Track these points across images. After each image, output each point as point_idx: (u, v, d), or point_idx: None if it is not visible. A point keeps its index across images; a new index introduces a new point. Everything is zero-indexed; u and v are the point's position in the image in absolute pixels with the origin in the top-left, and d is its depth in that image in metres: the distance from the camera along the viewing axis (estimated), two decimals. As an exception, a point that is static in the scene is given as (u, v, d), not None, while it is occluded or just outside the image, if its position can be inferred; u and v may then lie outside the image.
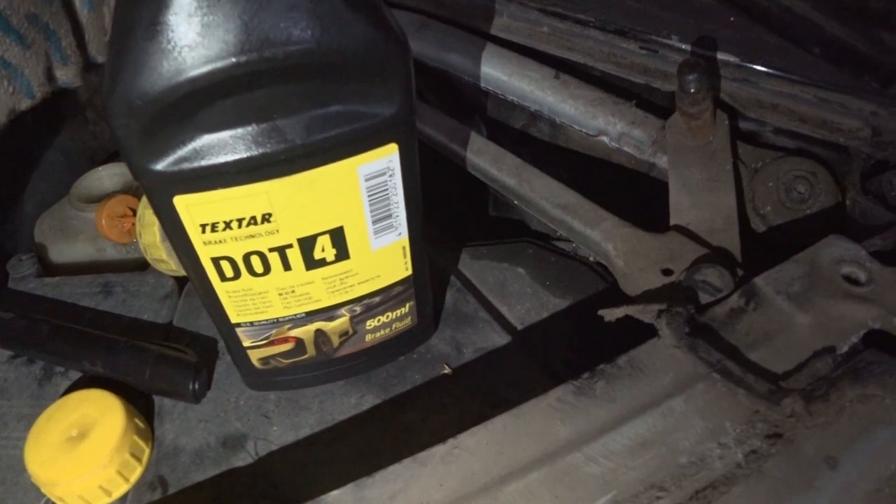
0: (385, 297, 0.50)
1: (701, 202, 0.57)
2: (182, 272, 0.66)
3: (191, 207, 0.39)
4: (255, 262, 0.43)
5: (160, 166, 0.36)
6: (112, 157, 0.85)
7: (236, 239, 0.41)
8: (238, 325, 0.49)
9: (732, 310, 0.45)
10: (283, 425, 0.54)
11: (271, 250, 0.42)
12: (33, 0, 0.40)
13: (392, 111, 0.38)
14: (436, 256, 0.64)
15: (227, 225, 0.40)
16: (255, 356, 0.52)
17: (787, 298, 0.45)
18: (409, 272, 0.50)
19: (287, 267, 0.44)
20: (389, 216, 0.44)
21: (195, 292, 0.51)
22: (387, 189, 0.42)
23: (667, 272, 0.51)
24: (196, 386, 0.55)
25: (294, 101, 0.36)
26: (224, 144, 0.36)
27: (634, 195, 0.68)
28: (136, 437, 0.51)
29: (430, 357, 0.58)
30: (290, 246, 0.42)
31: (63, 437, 0.50)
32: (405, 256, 0.48)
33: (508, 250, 0.69)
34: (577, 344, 0.61)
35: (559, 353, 0.60)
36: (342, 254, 0.45)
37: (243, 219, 0.40)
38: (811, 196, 0.61)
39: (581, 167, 0.70)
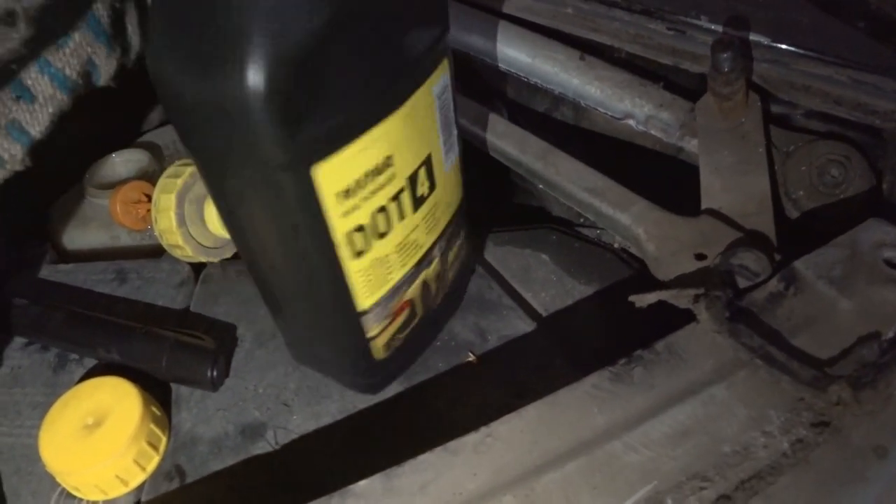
0: (456, 224, 0.50)
1: (733, 185, 0.55)
2: (199, 257, 0.65)
3: (331, 174, 0.34)
4: (381, 220, 0.40)
5: (302, 134, 0.32)
6: (126, 143, 0.83)
7: (366, 198, 0.38)
8: (365, 312, 0.44)
9: (772, 294, 0.43)
10: (303, 414, 0.53)
11: (391, 200, 0.40)
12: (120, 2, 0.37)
13: (444, 26, 0.39)
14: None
15: (359, 184, 0.36)
16: (380, 344, 0.48)
17: (829, 283, 0.43)
18: (463, 192, 0.50)
19: (402, 215, 0.41)
20: (451, 133, 0.44)
21: (297, 296, 0.46)
22: (448, 105, 0.42)
23: (700, 256, 0.50)
24: (214, 373, 0.54)
25: (394, 29, 0.35)
26: (351, 89, 0.33)
27: (661, 180, 0.66)
28: (152, 426, 0.50)
29: (454, 344, 0.57)
30: (402, 190, 0.40)
31: (78, 425, 0.49)
32: (459, 175, 0.49)
33: (531, 236, 0.68)
34: (603, 331, 0.59)
35: (585, 340, 0.58)
36: (432, 183, 0.43)
37: (370, 171, 0.37)
38: (845, 180, 0.59)
39: (606, 151, 0.68)
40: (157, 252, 0.69)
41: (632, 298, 0.48)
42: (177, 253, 0.65)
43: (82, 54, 0.37)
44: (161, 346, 0.55)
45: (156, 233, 0.64)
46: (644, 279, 0.62)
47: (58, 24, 0.34)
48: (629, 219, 0.53)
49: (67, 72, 0.36)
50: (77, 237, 0.77)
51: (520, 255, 0.65)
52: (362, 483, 0.34)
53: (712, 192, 0.55)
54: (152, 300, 0.64)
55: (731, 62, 0.54)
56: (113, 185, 0.74)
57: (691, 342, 0.40)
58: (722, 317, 0.40)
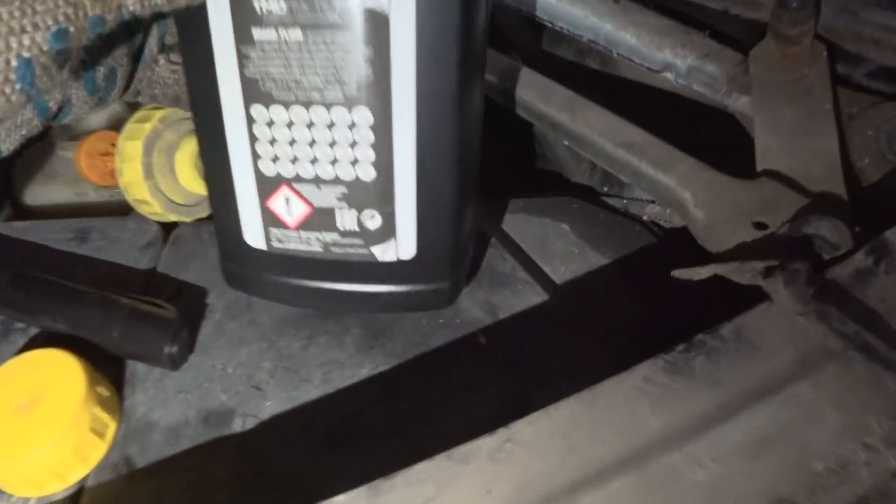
0: None
1: (795, 146, 0.47)
2: (168, 215, 0.56)
3: None
4: None
5: None
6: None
7: None
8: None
9: (859, 271, 0.35)
10: (278, 399, 0.45)
11: None
12: (118, 55, 0.38)
13: None
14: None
15: None
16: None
17: (928, 260, 0.35)
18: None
19: None
20: None
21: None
22: None
23: (760, 225, 0.41)
24: (174, 349, 0.45)
25: None
26: None
27: (703, 142, 0.58)
28: (98, 409, 0.42)
29: (460, 322, 0.48)
30: None
31: (9, 406, 0.41)
32: None
33: (550, 204, 0.59)
34: (634, 311, 0.51)
35: (613, 320, 0.50)
36: None
37: None
38: (918, 148, 0.50)
39: (638, 109, 0.59)
40: (126, 211, 0.61)
41: (677, 273, 0.40)
42: (144, 210, 0.57)
43: (67, 92, 0.36)
44: (114, 315, 0.46)
45: (120, 186, 0.56)
46: (680, 254, 0.53)
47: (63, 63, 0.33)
48: (673, 180, 0.45)
49: (51, 104, 0.35)
50: (40, 193, 0.70)
51: (537, 225, 0.57)
52: (340, 498, 0.26)
53: (769, 153, 0.46)
54: (114, 261, 0.55)
55: (802, -4, 0.45)
56: (82, 136, 0.66)
57: (766, 326, 0.31)
58: (806, 295, 0.31)
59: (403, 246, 0.42)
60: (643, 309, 0.49)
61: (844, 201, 0.41)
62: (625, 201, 0.62)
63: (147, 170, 0.54)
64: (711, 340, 0.31)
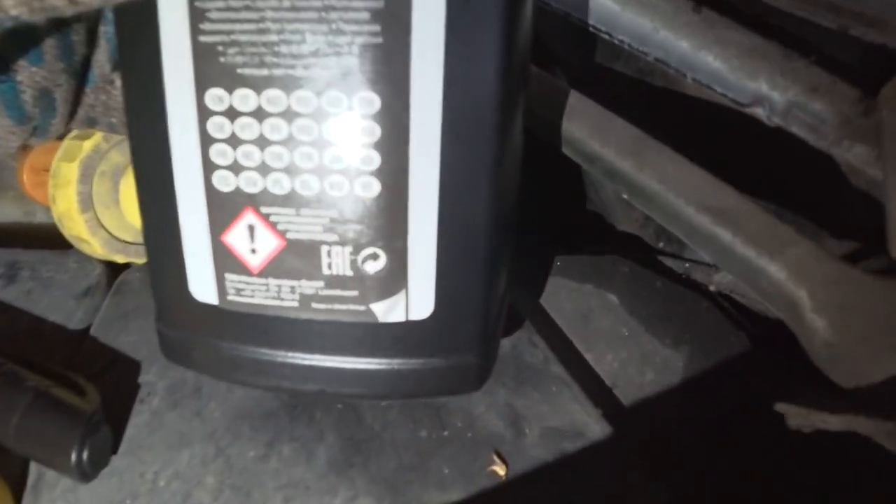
0: None
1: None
2: (111, 255, 0.45)
3: None
4: None
5: None
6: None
7: None
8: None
9: None
10: (220, 536, 0.33)
11: None
12: (51, 73, 0.30)
13: None
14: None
15: None
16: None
17: None
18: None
19: None
20: None
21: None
22: None
23: (913, 351, 0.28)
24: (84, 455, 0.34)
25: None
26: None
27: (805, 205, 0.45)
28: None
29: (471, 437, 0.36)
30: None
31: None
32: None
33: (593, 266, 0.47)
34: (701, 428, 0.38)
35: (678, 443, 0.37)
36: None
37: None
38: None
39: (714, 151, 0.47)
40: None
41: (788, 414, 0.28)
42: (83, 248, 0.45)
43: None
44: (14, 401, 0.35)
45: (54, 217, 0.44)
46: (770, 354, 0.41)
47: None
48: (783, 270, 0.32)
49: None
50: (-15, 210, 0.59)
51: (576, 294, 0.45)
52: None
53: (914, 233, 0.33)
54: (42, 312, 0.44)
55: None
56: (32, 146, 0.55)
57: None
58: None
59: (416, 301, 0.29)
60: (719, 433, 0.37)
61: None
62: (686, 264, 0.49)
63: (84, 200, 0.42)
64: None
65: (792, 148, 0.45)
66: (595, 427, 0.37)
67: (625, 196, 0.40)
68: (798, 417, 0.28)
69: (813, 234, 0.39)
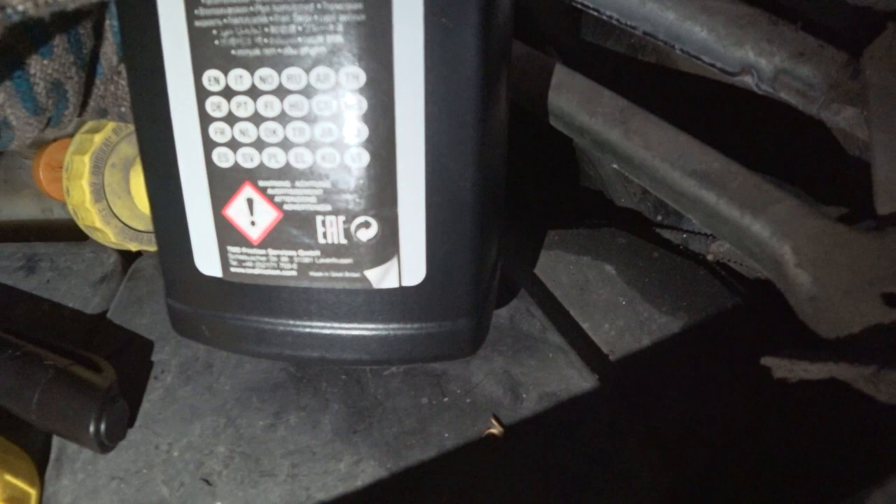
0: None
1: (930, 180, 0.34)
2: (125, 244, 0.47)
3: None
4: None
5: None
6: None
7: None
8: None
9: None
10: (230, 499, 0.34)
11: None
12: (62, 66, 0.32)
13: None
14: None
15: None
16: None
17: None
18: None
19: None
20: None
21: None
22: None
23: (893, 299, 0.29)
24: (102, 427, 0.35)
25: None
26: None
27: (795, 169, 0.46)
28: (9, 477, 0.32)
29: (470, 402, 0.37)
30: None
31: None
32: None
33: (590, 239, 0.48)
34: (700, 397, 0.39)
35: (671, 410, 0.38)
36: None
37: None
38: None
39: (708, 124, 0.47)
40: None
41: (772, 366, 0.28)
42: (97, 237, 0.47)
43: None
44: (35, 379, 0.37)
45: (69, 209, 0.46)
46: (764, 316, 0.41)
47: None
48: (767, 227, 0.33)
49: None
50: (4, 207, 0.62)
51: (574, 266, 0.45)
52: None
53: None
54: (61, 300, 0.46)
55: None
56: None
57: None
58: None
59: (408, 267, 0.30)
60: (715, 396, 0.38)
61: None
62: (684, 235, 0.50)
63: (96, 191, 0.44)
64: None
65: (783, 118, 0.45)
66: (591, 391, 0.38)
67: (615, 166, 0.41)
68: (782, 369, 0.28)
69: (803, 199, 0.40)
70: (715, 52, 0.45)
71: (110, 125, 0.44)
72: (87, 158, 0.44)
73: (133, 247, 0.47)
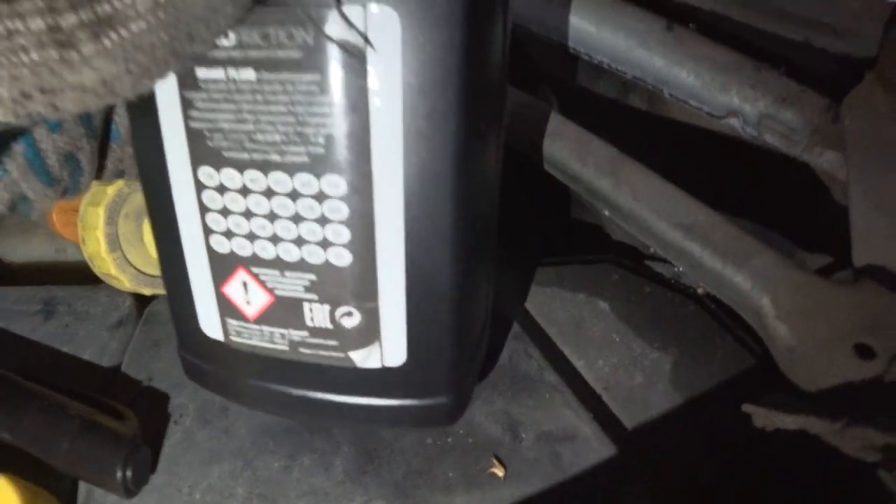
0: None
1: (905, 229, 0.36)
2: (140, 289, 0.49)
3: None
4: None
5: None
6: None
7: None
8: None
9: None
10: (250, 542, 0.37)
11: None
12: (72, 138, 0.33)
13: None
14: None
15: None
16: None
17: None
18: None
19: None
20: None
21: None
22: None
23: (864, 351, 0.31)
24: (128, 473, 0.38)
25: None
26: None
27: (778, 213, 0.48)
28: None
29: (472, 443, 0.39)
30: None
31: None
32: None
33: (585, 274, 0.50)
34: (691, 430, 0.41)
35: (671, 445, 0.40)
36: None
37: None
38: None
39: (695, 166, 0.49)
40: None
41: (748, 409, 0.31)
42: (113, 283, 0.49)
43: (15, 189, 0.32)
44: (62, 430, 0.39)
45: (84, 256, 0.49)
46: (749, 352, 0.44)
47: None
48: (748, 279, 0.35)
49: None
50: (19, 247, 0.64)
51: (570, 303, 0.48)
52: None
53: (872, 241, 0.36)
54: (79, 347, 0.48)
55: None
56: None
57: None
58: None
59: (390, 351, 0.33)
60: (702, 433, 0.40)
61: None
62: (676, 269, 0.52)
63: (111, 241, 0.46)
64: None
65: (768, 159, 0.47)
66: (586, 430, 0.40)
67: (606, 212, 0.43)
68: (761, 417, 0.30)
69: (787, 249, 0.42)
70: (702, 97, 0.47)
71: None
72: (101, 210, 0.46)
73: (147, 291, 0.49)
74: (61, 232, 0.57)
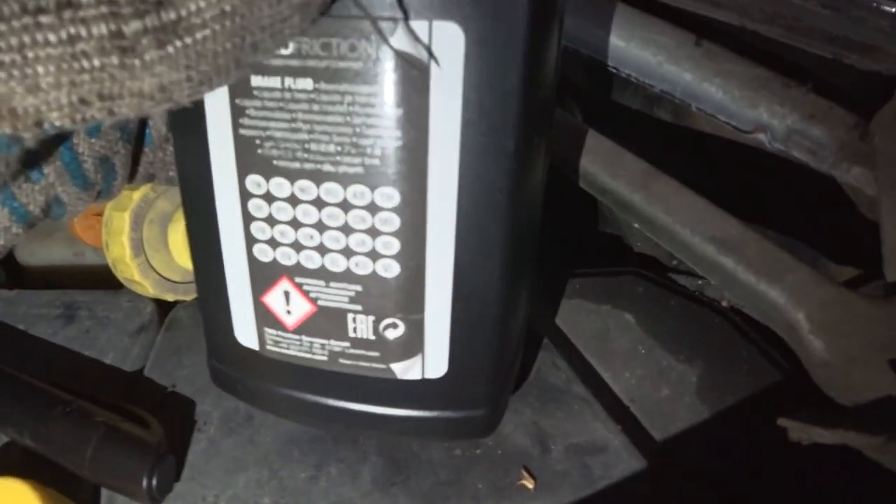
0: None
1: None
2: (162, 294, 0.49)
3: None
4: None
5: None
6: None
7: None
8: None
9: None
10: (277, 552, 0.36)
11: None
12: (108, 142, 0.34)
13: None
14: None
15: None
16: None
17: None
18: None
19: None
20: None
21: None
22: None
23: (902, 367, 0.31)
24: (154, 482, 0.37)
25: None
26: None
27: (806, 226, 0.48)
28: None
29: (501, 454, 0.39)
30: None
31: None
32: None
33: (610, 287, 0.50)
34: (726, 443, 0.41)
35: (699, 457, 0.40)
36: None
37: None
38: None
39: (719, 177, 0.49)
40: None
41: (784, 423, 0.30)
42: (136, 289, 0.49)
43: (51, 192, 0.33)
44: (87, 436, 0.39)
45: (108, 261, 0.48)
46: (777, 368, 0.43)
47: (36, 162, 0.31)
48: (782, 295, 0.35)
49: (31, 207, 0.32)
50: (38, 251, 0.64)
51: (595, 315, 0.47)
52: None
53: (906, 254, 0.36)
54: (100, 352, 0.48)
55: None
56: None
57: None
58: None
59: (431, 363, 0.32)
60: (730, 445, 0.39)
61: None
62: (700, 281, 0.52)
63: (135, 246, 0.46)
64: None
65: (795, 172, 0.47)
66: (615, 442, 0.40)
67: (636, 225, 0.43)
68: (798, 431, 0.30)
69: (814, 261, 0.42)
70: (730, 112, 0.47)
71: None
72: (126, 215, 0.46)
73: (169, 297, 0.49)
74: (81, 236, 0.57)
